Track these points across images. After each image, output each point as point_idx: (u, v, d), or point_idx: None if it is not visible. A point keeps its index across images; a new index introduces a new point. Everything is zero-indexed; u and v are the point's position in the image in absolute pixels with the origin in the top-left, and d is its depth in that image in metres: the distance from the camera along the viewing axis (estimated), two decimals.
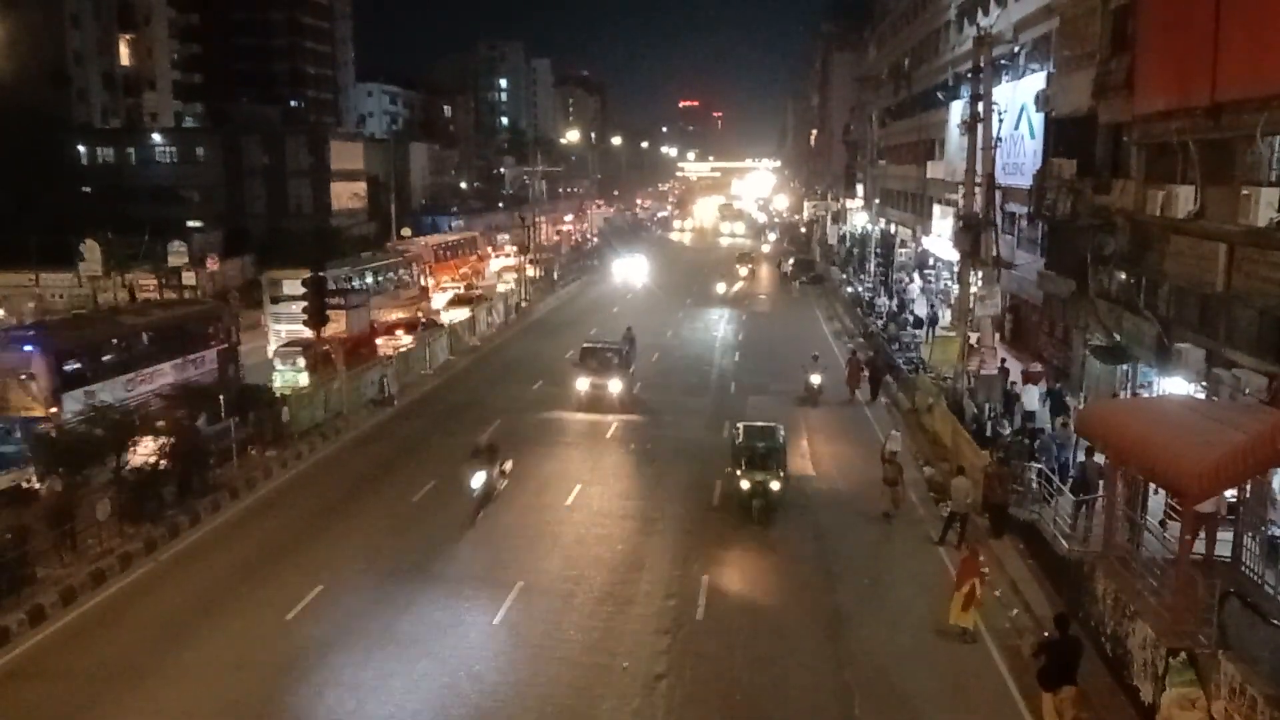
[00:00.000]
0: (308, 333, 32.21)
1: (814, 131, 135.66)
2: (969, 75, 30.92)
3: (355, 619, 16.99)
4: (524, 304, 53.40)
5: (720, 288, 60.99)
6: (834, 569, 19.59)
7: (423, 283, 49.53)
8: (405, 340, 38.54)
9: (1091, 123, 28.08)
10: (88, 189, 72.75)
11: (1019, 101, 34.81)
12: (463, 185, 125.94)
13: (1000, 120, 30.08)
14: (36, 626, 16.53)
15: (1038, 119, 33.28)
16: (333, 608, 17.39)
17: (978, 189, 29.03)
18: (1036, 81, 33.63)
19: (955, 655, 16.12)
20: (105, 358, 26.82)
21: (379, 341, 38.67)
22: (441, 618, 17.11)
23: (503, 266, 64.11)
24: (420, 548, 20.31)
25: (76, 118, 77.46)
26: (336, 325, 33.82)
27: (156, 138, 79.59)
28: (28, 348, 25.10)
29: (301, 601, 17.46)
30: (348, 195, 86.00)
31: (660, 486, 24.51)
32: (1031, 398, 28.36)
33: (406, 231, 67.32)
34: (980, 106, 28.60)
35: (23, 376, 24.54)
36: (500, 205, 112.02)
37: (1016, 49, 36.69)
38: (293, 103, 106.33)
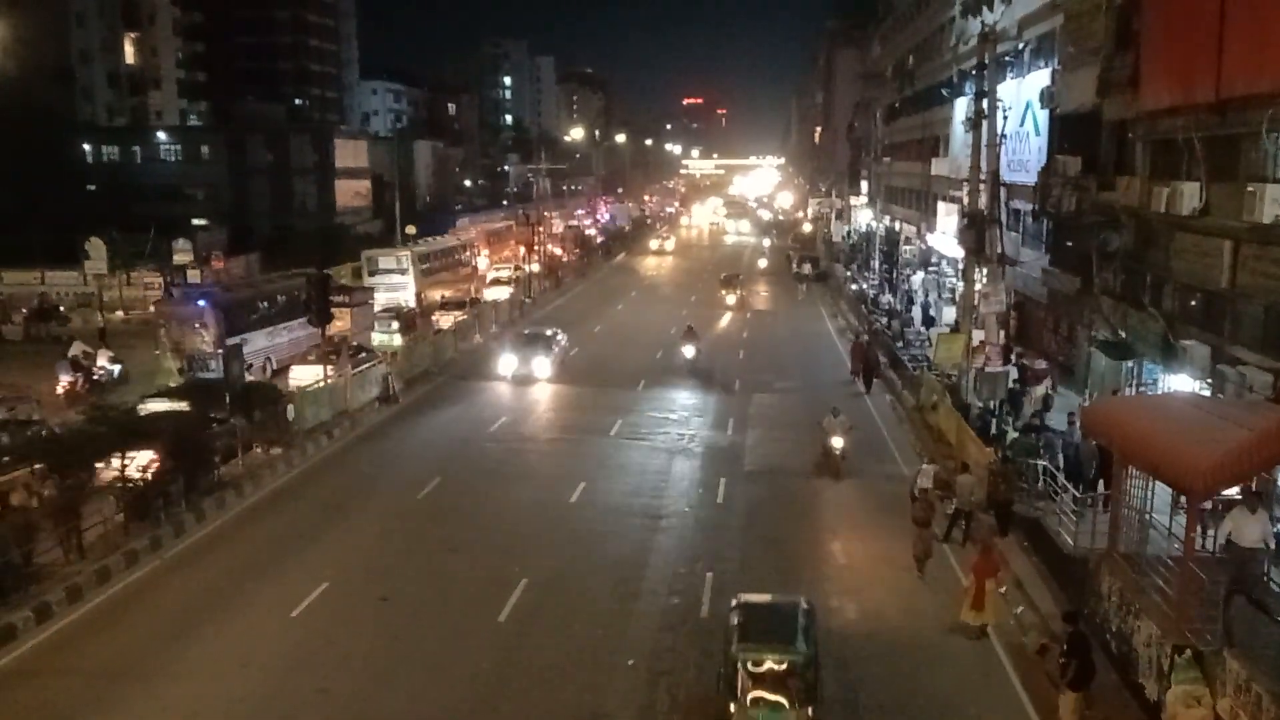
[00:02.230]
0: (401, 300, 44.70)
1: (818, 128, 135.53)
2: (973, 72, 30.89)
3: (360, 616, 17.04)
4: (529, 300, 53.51)
5: (689, 351, 37.43)
6: (838, 564, 19.66)
7: (475, 263, 57.18)
8: (458, 315, 43.58)
9: (1096, 119, 28.03)
10: (93, 187, 73.01)
11: (1024, 98, 34.74)
12: (467, 183, 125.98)
13: (1005, 117, 30.02)
14: (43, 624, 16.57)
15: (1042, 116, 33.22)
16: (338, 605, 17.43)
17: (982, 186, 28.99)
18: (1041, 78, 33.55)
19: (960, 652, 16.10)
20: (253, 315, 34.83)
21: (435, 316, 44.11)
22: (447, 615, 17.14)
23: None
24: (425, 545, 20.36)
25: (81, 116, 77.81)
26: (341, 323, 34.92)
27: (161, 136, 79.85)
28: (201, 303, 33.56)
29: (306, 599, 17.49)
30: (352, 193, 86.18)
31: (666, 483, 24.55)
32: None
33: (411, 229, 67.50)
34: (985, 103, 28.56)
35: (197, 325, 32.81)
36: (504, 203, 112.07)
37: (1021, 46, 36.62)
38: (297, 101, 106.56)
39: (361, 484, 24.27)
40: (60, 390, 30.09)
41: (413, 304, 45.53)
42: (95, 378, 31.51)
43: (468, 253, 56.68)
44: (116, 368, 32.63)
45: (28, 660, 15.57)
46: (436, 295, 49.09)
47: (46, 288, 47.67)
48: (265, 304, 35.83)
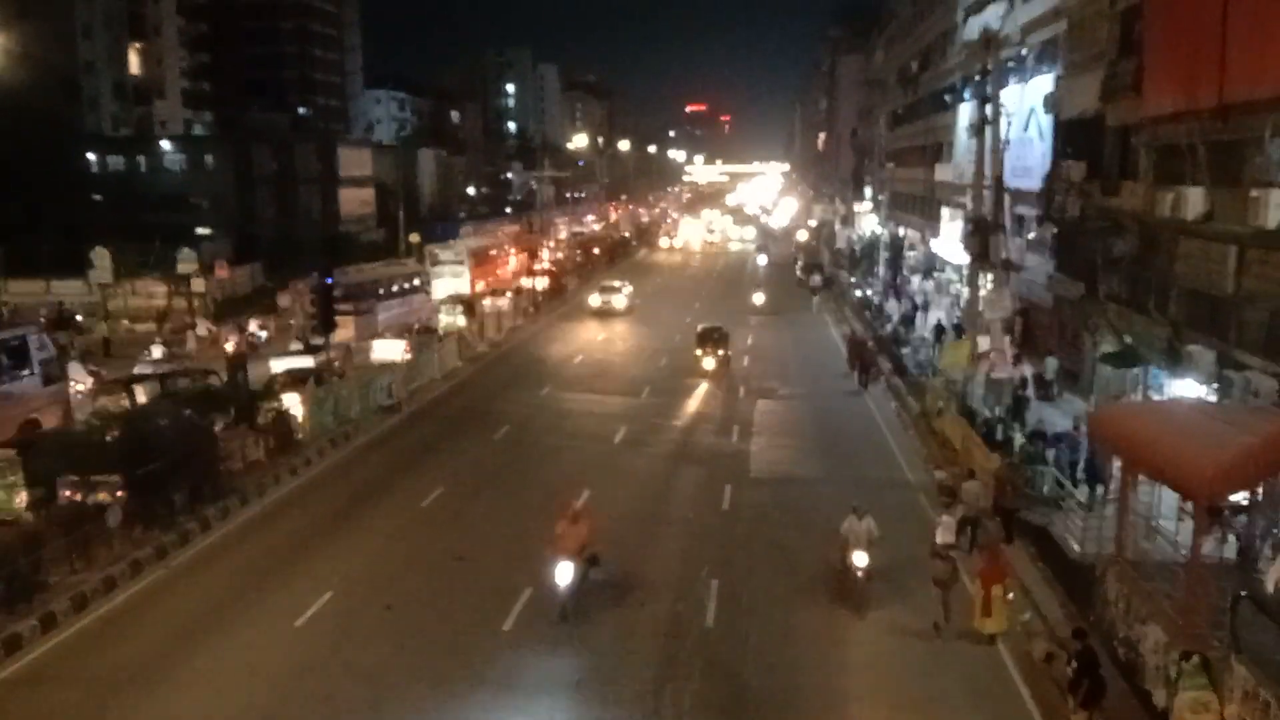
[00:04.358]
0: (462, 289, 51.68)
1: (822, 135, 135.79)
2: (977, 78, 30.92)
3: (365, 625, 17.02)
4: (532, 310, 53.56)
5: (564, 577, 17.21)
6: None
7: (508, 258, 64.71)
8: (504, 301, 50.16)
9: (1100, 125, 28.05)
10: (98, 197, 73.22)
11: (1027, 104, 34.78)
12: (470, 191, 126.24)
13: (1009, 123, 30.05)
14: (48, 633, 16.57)
15: (1046, 121, 33.24)
16: (342, 614, 17.41)
17: (986, 192, 28.99)
18: (1044, 84, 33.60)
19: (967, 658, 16.04)
20: (368, 292, 43.62)
21: (485, 302, 49.75)
22: (451, 623, 17.12)
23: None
24: (429, 553, 20.35)
25: (87, 126, 78.06)
26: (345, 331, 35.54)
27: (166, 146, 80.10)
28: (329, 281, 37.69)
29: (311, 608, 17.48)
30: (356, 202, 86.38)
31: (670, 490, 24.52)
32: None
33: (415, 237, 67.78)
34: (988, 109, 28.57)
35: None
36: (507, 210, 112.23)
37: (1024, 52, 36.66)
38: (301, 110, 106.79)
39: (366, 492, 24.28)
40: (230, 349, 37.61)
41: (468, 291, 52.06)
42: (250, 341, 40.59)
43: (506, 249, 65.72)
44: (264, 333, 42.07)
45: (33, 669, 15.55)
46: (478, 285, 55.65)
47: (53, 297, 47.82)
48: (376, 285, 45.12)
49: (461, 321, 44.74)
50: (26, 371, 25.99)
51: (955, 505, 21.17)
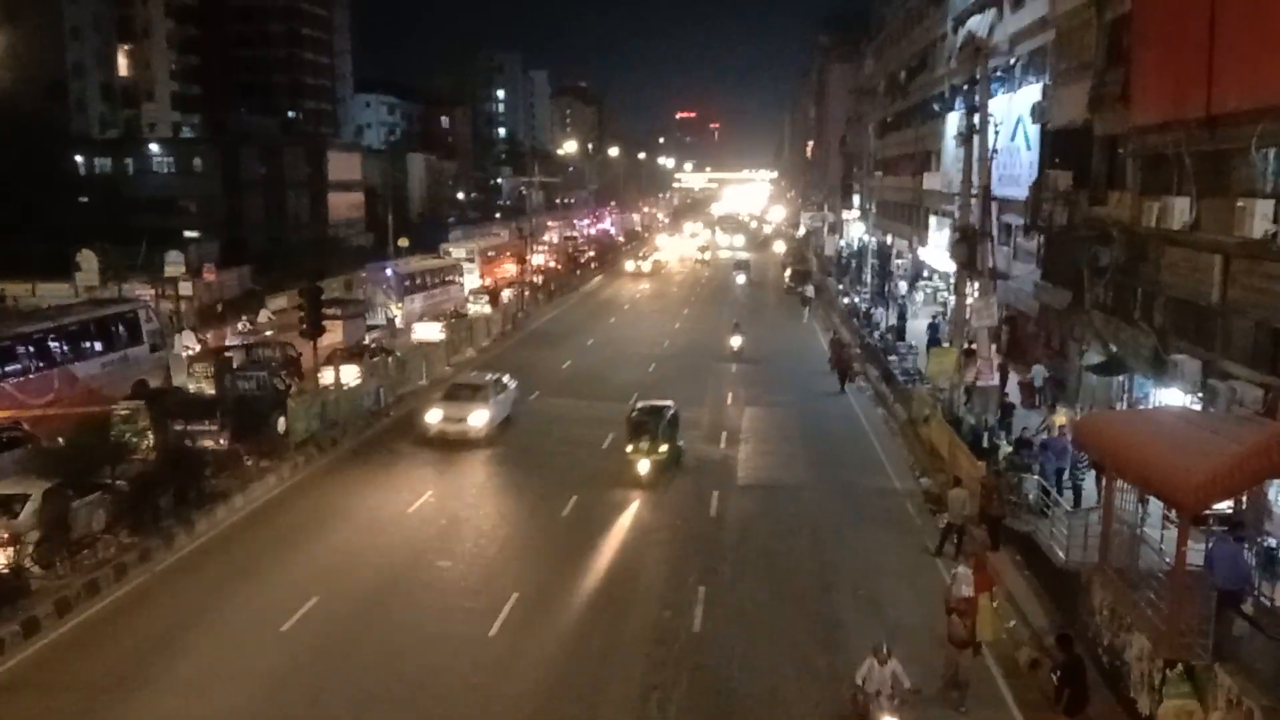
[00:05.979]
0: (472, 283, 58.83)
1: (811, 143, 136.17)
2: (965, 87, 31.03)
3: (350, 631, 16.95)
4: (521, 314, 53.52)
5: None
6: (830, 578, 19.60)
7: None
8: (514, 291, 57.01)
9: (1087, 134, 28.17)
10: (85, 199, 72.76)
11: (1015, 113, 34.94)
12: (460, 196, 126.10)
13: (996, 132, 30.15)
14: (31, 638, 16.45)
15: (1033, 130, 33.40)
16: (327, 619, 17.34)
17: (974, 200, 29.09)
18: (1032, 93, 33.75)
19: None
20: (418, 281, 51.15)
21: (506, 293, 56.34)
22: (438, 629, 17.07)
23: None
24: (416, 559, 20.29)
25: (75, 128, 77.66)
26: (333, 335, 35.70)
27: (154, 148, 79.69)
28: (389, 271, 50.20)
29: (296, 613, 17.40)
30: (345, 206, 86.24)
31: (658, 498, 24.50)
32: None
33: (404, 242, 67.75)
34: (976, 118, 28.68)
35: (385, 287, 48.64)
36: (497, 215, 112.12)
37: (1012, 61, 36.83)
38: (291, 114, 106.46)
39: (352, 497, 24.18)
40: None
41: (478, 284, 59.03)
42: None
43: (513, 247, 71.10)
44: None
45: (15, 675, 15.44)
46: (485, 280, 61.98)
47: (39, 299, 47.50)
48: (424, 275, 52.45)
49: (487, 310, 51.02)
50: (139, 340, 31.13)
51: (941, 514, 21.24)
